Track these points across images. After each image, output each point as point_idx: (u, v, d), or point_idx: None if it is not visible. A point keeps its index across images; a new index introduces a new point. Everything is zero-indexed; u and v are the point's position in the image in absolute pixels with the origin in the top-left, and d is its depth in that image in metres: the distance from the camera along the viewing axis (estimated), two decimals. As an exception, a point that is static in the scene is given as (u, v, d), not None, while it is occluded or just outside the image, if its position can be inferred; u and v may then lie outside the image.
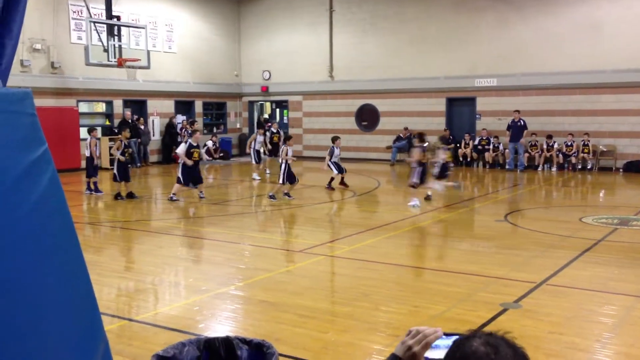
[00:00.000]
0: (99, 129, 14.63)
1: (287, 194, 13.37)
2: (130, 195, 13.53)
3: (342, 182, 15.20)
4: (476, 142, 20.52)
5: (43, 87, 18.45)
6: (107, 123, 21.12)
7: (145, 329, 5.46)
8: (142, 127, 21.27)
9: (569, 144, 19.03)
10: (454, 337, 1.57)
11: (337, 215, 12.09)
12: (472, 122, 21.21)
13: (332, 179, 14.91)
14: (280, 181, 13.25)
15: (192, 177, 13.25)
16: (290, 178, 13.34)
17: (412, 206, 12.13)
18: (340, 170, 14.92)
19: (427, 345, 1.56)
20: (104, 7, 18.81)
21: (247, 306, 6.19)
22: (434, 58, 21.38)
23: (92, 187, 14.25)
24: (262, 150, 17.71)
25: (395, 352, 1.60)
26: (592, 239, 8.95)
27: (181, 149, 13.33)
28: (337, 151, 14.88)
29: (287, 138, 14.00)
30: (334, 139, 15.12)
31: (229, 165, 22.09)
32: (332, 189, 14.77)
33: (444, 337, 1.57)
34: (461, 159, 20.71)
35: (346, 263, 7.93)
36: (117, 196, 13.46)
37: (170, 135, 22.20)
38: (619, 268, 7.44)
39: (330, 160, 14.80)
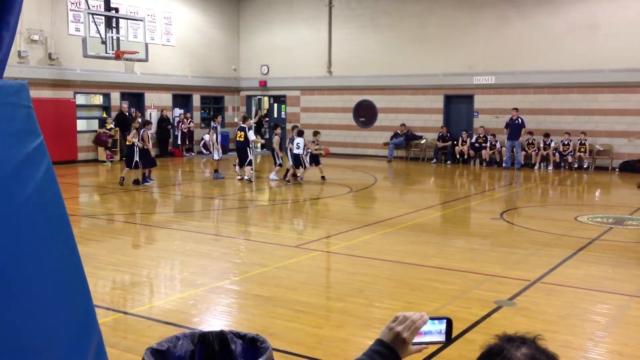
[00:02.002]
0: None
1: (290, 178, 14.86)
2: (138, 182, 14.40)
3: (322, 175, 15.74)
4: (473, 139, 20.54)
5: (40, 78, 18.39)
6: (104, 115, 21.07)
7: (140, 322, 5.47)
8: (139, 120, 21.22)
9: (566, 142, 19.06)
10: (440, 321, 1.61)
11: (333, 211, 12.10)
12: (470, 119, 21.22)
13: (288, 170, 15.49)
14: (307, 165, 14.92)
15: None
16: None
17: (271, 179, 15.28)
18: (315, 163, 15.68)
19: (416, 331, 1.58)
20: (102, -1, 18.76)
21: (242, 301, 6.20)
22: (433, 55, 21.37)
23: (147, 176, 14.72)
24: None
25: (381, 338, 1.60)
26: (587, 238, 8.98)
27: (253, 135, 15.47)
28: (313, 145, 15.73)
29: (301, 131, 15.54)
30: (315, 133, 16.03)
31: (227, 159, 22.06)
32: (288, 181, 15.21)
33: (430, 322, 1.60)
34: (458, 156, 20.73)
35: (341, 259, 7.94)
36: (136, 182, 14.26)
37: (161, 129, 22.14)
38: (613, 267, 7.46)
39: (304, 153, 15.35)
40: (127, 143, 14.45)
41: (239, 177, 15.46)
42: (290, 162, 15.23)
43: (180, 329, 5.14)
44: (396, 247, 8.45)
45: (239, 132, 15.46)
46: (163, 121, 22.24)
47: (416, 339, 1.59)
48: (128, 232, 9.71)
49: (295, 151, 14.82)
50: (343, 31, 23.19)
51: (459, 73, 20.95)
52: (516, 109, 19.40)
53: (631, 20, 18.17)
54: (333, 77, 23.53)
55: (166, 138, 22.48)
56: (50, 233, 1.35)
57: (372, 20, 22.58)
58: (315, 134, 15.93)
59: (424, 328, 1.60)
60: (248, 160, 15.22)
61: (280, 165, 15.86)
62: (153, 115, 22.38)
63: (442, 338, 1.62)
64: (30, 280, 1.26)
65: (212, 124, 16.93)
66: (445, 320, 1.62)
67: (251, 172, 15.50)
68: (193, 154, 23.06)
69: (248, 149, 15.24)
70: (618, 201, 13.60)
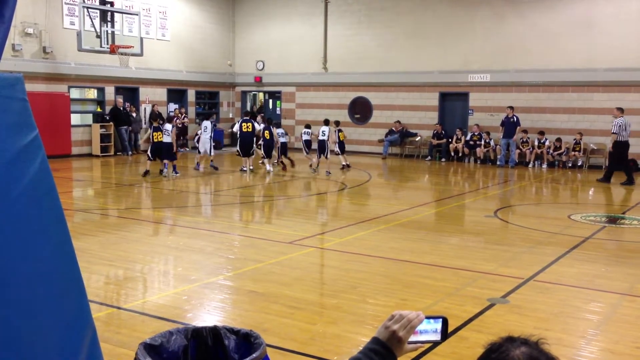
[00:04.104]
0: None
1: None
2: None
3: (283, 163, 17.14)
4: (468, 137, 20.57)
5: (34, 72, 18.29)
6: (99, 110, 21.00)
7: (134, 317, 5.46)
8: (134, 114, 21.15)
9: (559, 147, 19.11)
10: (436, 320, 1.63)
11: (327, 208, 12.10)
12: (465, 117, 21.25)
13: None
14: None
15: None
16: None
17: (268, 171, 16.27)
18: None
19: (412, 330, 1.59)
20: (97, -8, 18.69)
21: (235, 296, 6.20)
22: (428, 52, 21.38)
23: (171, 169, 15.42)
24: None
25: (377, 336, 1.61)
26: (580, 237, 9.01)
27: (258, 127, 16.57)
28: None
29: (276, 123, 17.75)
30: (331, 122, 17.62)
31: (221, 154, 22.03)
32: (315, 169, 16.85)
33: (425, 320, 1.61)
34: (452, 153, 20.77)
35: (335, 255, 7.95)
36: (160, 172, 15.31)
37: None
38: (605, 265, 7.50)
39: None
40: (157, 140, 15.17)
41: (251, 168, 16.51)
42: (306, 151, 17.23)
43: (174, 324, 5.14)
44: (390, 244, 8.47)
45: (245, 123, 16.44)
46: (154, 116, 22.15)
47: (412, 338, 1.60)
48: (122, 227, 9.69)
49: (321, 137, 16.65)
50: (339, 27, 23.15)
51: (454, 70, 20.97)
52: (511, 107, 19.42)
53: (626, 19, 18.22)
54: (328, 74, 23.50)
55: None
56: (45, 226, 1.35)
57: (368, 16, 22.56)
58: (335, 123, 17.67)
59: (420, 327, 1.61)
60: (252, 150, 16.38)
61: (270, 157, 16.75)
62: (147, 110, 22.31)
63: (437, 337, 1.63)
64: (24, 274, 1.26)
65: (212, 121, 17.25)
66: (441, 320, 1.63)
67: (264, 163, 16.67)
68: (187, 149, 23.00)
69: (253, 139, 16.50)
70: (611, 200, 13.66)
